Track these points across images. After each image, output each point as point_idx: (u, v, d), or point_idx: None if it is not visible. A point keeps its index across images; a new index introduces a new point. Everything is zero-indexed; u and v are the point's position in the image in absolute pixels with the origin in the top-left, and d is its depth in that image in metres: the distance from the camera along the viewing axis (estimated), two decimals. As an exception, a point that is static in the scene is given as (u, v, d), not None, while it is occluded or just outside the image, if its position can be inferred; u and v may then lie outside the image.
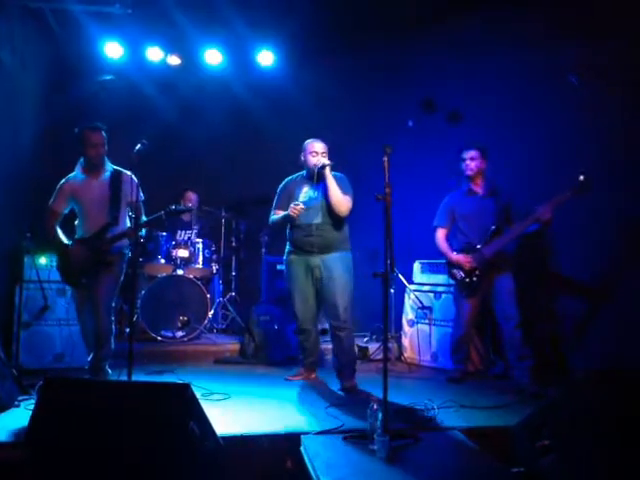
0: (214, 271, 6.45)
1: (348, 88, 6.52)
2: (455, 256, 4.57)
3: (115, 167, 4.16)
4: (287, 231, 4.42)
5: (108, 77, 6.56)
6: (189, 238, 6.26)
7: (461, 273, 4.53)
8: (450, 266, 4.64)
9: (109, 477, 2.35)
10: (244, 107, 6.77)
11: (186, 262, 6.10)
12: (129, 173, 4.04)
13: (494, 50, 5.29)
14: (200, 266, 6.22)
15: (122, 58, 6.26)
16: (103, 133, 4.04)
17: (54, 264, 4.17)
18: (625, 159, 4.35)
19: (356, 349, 4.84)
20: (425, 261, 5.42)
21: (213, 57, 6.46)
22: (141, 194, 4.17)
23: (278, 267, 6.16)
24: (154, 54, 6.34)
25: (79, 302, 4.07)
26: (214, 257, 6.43)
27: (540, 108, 4.92)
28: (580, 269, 4.68)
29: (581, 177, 3.98)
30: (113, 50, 6.17)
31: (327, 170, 4.14)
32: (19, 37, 5.06)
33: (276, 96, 6.65)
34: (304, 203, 4.20)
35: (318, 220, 4.19)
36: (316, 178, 4.20)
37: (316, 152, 4.23)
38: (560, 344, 4.75)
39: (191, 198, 6.58)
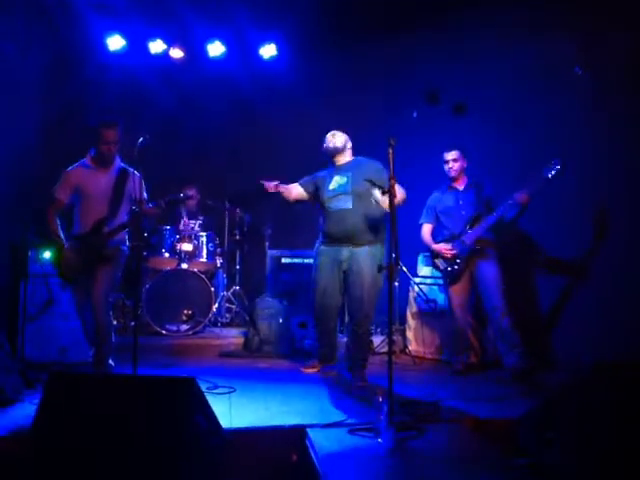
0: (218, 265, 6.45)
1: (352, 80, 6.49)
2: (436, 245, 4.68)
3: (122, 164, 4.14)
4: (320, 221, 4.41)
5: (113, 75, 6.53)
6: (192, 228, 6.25)
7: (443, 263, 4.63)
8: (433, 257, 4.75)
9: (114, 472, 2.36)
10: (247, 100, 6.75)
11: (190, 256, 6.10)
12: (135, 171, 4.04)
13: (496, 42, 5.26)
14: (204, 260, 6.22)
15: (124, 51, 6.25)
16: (118, 129, 4.01)
17: (51, 260, 4.14)
18: (618, 146, 4.36)
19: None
20: (429, 254, 5.40)
21: (216, 50, 6.45)
22: (144, 194, 4.13)
23: (283, 260, 6.16)
24: (156, 47, 6.33)
25: (79, 298, 4.06)
26: (218, 251, 6.42)
27: (543, 100, 4.89)
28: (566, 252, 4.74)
29: (558, 162, 4.12)
30: (115, 42, 6.16)
31: (376, 194, 3.88)
32: (21, 29, 5.04)
33: (279, 89, 6.63)
34: (334, 191, 4.22)
35: (349, 206, 4.13)
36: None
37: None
38: (546, 328, 4.80)
39: (189, 194, 6.54)
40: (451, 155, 4.64)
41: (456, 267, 4.56)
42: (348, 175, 4.21)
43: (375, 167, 4.16)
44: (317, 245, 4.39)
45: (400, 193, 3.79)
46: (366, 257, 4.10)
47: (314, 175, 4.46)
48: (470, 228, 4.51)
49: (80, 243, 3.96)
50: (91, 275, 3.94)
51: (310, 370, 4.49)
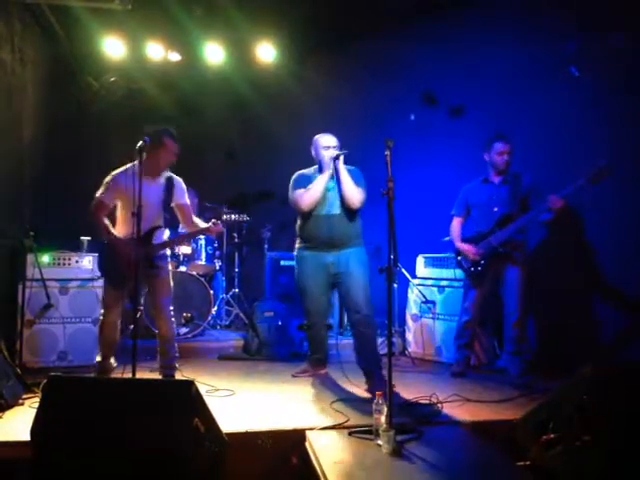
0: (217, 267, 6.45)
1: (349, 83, 6.50)
2: (461, 245, 4.54)
3: (169, 173, 4.16)
4: (297, 224, 4.29)
5: (111, 79, 6.55)
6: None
7: (467, 262, 4.50)
8: (457, 255, 4.61)
9: (113, 475, 2.35)
10: (245, 103, 6.77)
11: (189, 259, 6.10)
12: (179, 179, 4.19)
13: (495, 42, 5.25)
14: (203, 262, 6.22)
15: (122, 55, 6.24)
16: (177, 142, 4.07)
17: (97, 262, 4.16)
18: (618, 147, 4.29)
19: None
20: (428, 255, 5.40)
21: (214, 53, 6.44)
22: (187, 199, 4.24)
23: (282, 263, 6.15)
24: (155, 51, 6.31)
25: (112, 301, 4.07)
26: (217, 253, 6.42)
27: (541, 99, 4.89)
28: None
29: (601, 163, 3.87)
30: (113, 47, 6.15)
31: (340, 160, 4.07)
32: (18, 35, 5.04)
33: (277, 92, 6.64)
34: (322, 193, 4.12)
35: (337, 211, 4.10)
36: (332, 170, 4.10)
37: (328, 145, 4.14)
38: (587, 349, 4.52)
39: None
40: (506, 148, 4.39)
41: (479, 268, 4.42)
42: (335, 179, 4.15)
43: (355, 175, 4.13)
44: (298, 250, 4.27)
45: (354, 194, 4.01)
46: (352, 257, 4.08)
47: (301, 175, 4.28)
48: (499, 228, 4.34)
49: (132, 246, 3.80)
50: (149, 286, 4.12)
51: (302, 375, 4.42)
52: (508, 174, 4.47)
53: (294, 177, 4.30)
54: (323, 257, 4.13)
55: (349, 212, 4.11)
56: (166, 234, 4.23)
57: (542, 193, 4.24)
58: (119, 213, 4.08)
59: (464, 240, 4.56)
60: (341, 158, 4.07)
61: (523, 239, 4.42)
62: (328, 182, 4.13)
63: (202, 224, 4.26)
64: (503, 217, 4.35)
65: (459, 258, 4.58)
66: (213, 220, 4.16)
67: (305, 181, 4.19)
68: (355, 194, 4.04)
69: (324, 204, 4.11)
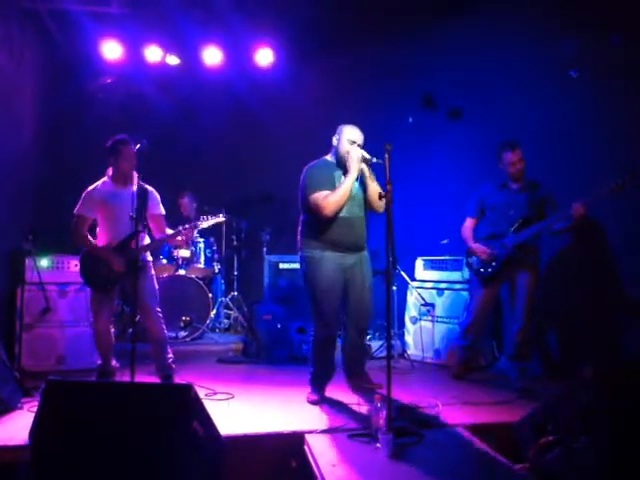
0: (216, 271, 6.45)
1: (347, 86, 6.51)
2: (473, 245, 4.46)
3: (141, 182, 4.14)
4: (312, 225, 3.80)
5: (108, 80, 6.56)
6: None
7: (478, 263, 4.42)
8: (468, 255, 4.54)
9: (112, 478, 2.35)
10: (244, 106, 6.77)
11: (188, 262, 6.10)
12: (152, 189, 4.23)
13: (495, 43, 5.25)
14: (202, 266, 6.22)
15: (120, 58, 6.24)
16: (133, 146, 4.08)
17: (80, 269, 4.13)
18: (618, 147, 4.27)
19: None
20: (427, 258, 5.40)
21: (212, 57, 6.44)
22: (162, 210, 4.29)
23: (280, 266, 6.15)
24: (153, 54, 6.31)
25: (98, 306, 4.06)
26: (216, 257, 6.42)
27: (541, 100, 4.89)
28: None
29: (624, 175, 3.73)
30: (111, 50, 6.15)
31: (366, 164, 3.72)
32: (17, 38, 5.05)
33: (275, 95, 6.64)
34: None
35: (362, 214, 3.83)
36: (358, 172, 3.70)
37: (353, 140, 3.76)
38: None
39: (185, 204, 6.55)
40: (517, 155, 4.26)
41: (490, 270, 4.33)
42: (359, 179, 3.84)
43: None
44: (312, 251, 3.77)
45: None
46: (367, 263, 3.89)
47: (318, 168, 3.84)
48: (514, 231, 4.24)
49: (115, 251, 3.99)
50: (132, 288, 3.88)
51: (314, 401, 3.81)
52: (525, 181, 4.37)
53: (310, 173, 3.80)
54: (345, 259, 3.79)
55: (365, 215, 3.87)
56: (146, 240, 4.20)
57: (556, 201, 4.20)
58: (99, 225, 4.14)
59: (476, 241, 4.48)
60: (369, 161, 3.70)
61: (536, 245, 4.32)
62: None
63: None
64: (519, 220, 4.27)
65: (469, 259, 4.51)
66: (187, 225, 4.23)
67: (324, 178, 3.75)
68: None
69: (348, 205, 3.74)
